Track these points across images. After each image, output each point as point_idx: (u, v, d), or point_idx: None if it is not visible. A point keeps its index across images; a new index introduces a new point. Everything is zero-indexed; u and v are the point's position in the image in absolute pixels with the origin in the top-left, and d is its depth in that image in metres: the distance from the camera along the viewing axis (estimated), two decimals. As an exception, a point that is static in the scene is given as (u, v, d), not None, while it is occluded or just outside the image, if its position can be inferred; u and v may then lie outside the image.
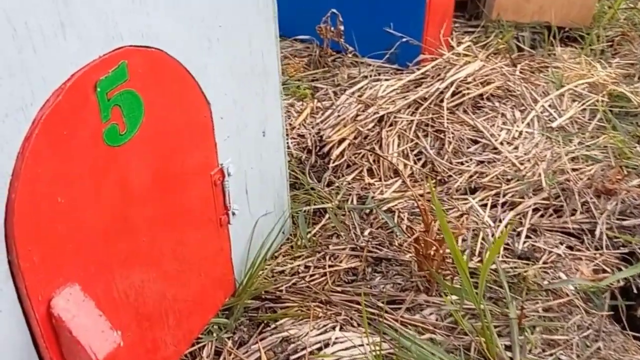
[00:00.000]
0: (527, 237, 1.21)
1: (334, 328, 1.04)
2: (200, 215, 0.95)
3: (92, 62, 0.69)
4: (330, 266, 1.17)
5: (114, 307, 0.82)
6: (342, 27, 1.62)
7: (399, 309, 1.07)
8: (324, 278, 1.15)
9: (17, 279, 0.69)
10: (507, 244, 1.20)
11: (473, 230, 1.21)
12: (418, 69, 1.61)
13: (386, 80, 1.62)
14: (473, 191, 1.34)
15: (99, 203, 0.76)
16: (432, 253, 1.06)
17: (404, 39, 1.70)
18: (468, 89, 1.53)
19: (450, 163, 1.40)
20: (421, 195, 1.28)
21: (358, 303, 1.08)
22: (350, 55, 1.74)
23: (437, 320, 1.04)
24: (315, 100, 1.61)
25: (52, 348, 0.74)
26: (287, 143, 1.49)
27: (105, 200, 0.77)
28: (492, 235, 1.20)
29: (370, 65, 1.78)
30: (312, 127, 1.52)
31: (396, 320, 1.04)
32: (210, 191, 0.95)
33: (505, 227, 1.22)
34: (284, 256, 1.19)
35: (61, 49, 0.65)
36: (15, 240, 0.66)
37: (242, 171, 1.01)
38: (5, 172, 0.64)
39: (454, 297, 1.06)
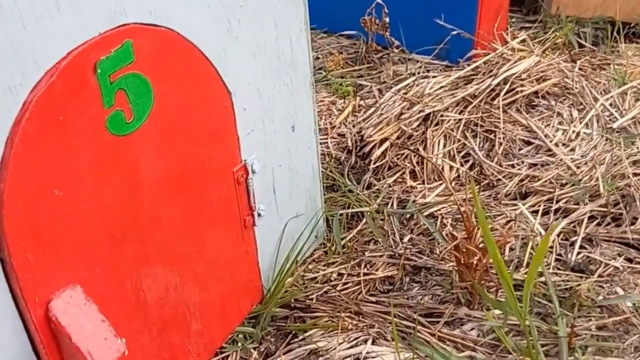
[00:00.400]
0: (582, 247, 1.10)
1: (365, 341, 0.96)
2: (222, 215, 0.88)
3: (91, 39, 0.63)
4: (365, 274, 1.08)
5: (123, 312, 0.76)
6: (387, 19, 1.53)
7: (437, 322, 0.97)
8: (357, 287, 1.06)
9: (10, 279, 0.63)
10: (560, 255, 1.08)
11: (522, 238, 1.10)
12: (468, 65, 1.51)
13: (434, 77, 1.52)
14: (524, 196, 1.22)
15: (103, 198, 0.70)
16: (474, 262, 0.96)
17: (455, 32, 1.60)
18: (522, 85, 1.42)
19: (500, 166, 1.30)
20: (466, 200, 1.18)
21: (393, 315, 0.99)
22: (396, 51, 1.65)
23: (478, 336, 0.94)
24: (358, 98, 1.53)
25: (53, 354, 0.69)
26: (327, 143, 1.41)
27: (110, 195, 0.71)
28: (545, 244, 1.09)
29: (418, 61, 1.69)
30: (353, 126, 1.44)
31: (433, 335, 0.95)
32: (233, 189, 0.89)
33: (558, 235, 1.10)
34: (316, 262, 1.11)
35: (55, 25, 0.59)
36: (5, 235, 0.61)
37: (269, 168, 0.94)
38: (-6, 160, 0.59)
39: (498, 312, 0.96)
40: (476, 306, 0.99)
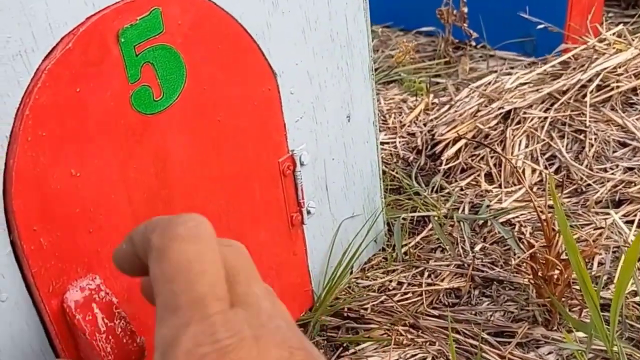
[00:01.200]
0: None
1: (424, 359, 0.84)
2: (266, 211, 0.80)
3: (113, 4, 0.57)
4: (428, 284, 0.97)
5: (146, 309, 0.68)
6: (465, 9, 1.41)
7: (508, 343, 0.84)
8: (419, 298, 0.95)
9: (22, 265, 0.57)
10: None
11: (613, 252, 0.95)
12: (555, 59, 1.36)
13: (515, 74, 1.38)
14: (617, 204, 1.07)
15: (127, 182, 0.63)
16: (554, 276, 0.83)
17: (542, 26, 1.45)
18: (618, 81, 1.26)
19: (591, 170, 1.14)
20: (549, 207, 1.04)
21: (457, 332, 0.87)
22: (475, 44, 1.52)
23: (556, 362, 0.81)
24: (431, 95, 1.42)
25: (69, 349, 0.62)
26: (395, 142, 1.31)
27: (135, 179, 0.64)
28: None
29: (500, 57, 1.55)
30: (425, 125, 1.33)
31: (503, 358, 0.82)
32: (279, 182, 0.80)
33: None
34: (374, 268, 1.01)
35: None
36: (15, 215, 0.55)
37: (320, 161, 0.85)
38: (2, 133, 0.53)
39: (580, 334, 0.82)
40: (555, 326, 0.86)
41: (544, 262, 0.83)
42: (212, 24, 0.66)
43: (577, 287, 0.85)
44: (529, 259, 0.85)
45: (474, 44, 1.48)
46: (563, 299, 0.85)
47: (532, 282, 0.89)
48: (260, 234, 0.80)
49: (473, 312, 0.91)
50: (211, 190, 0.72)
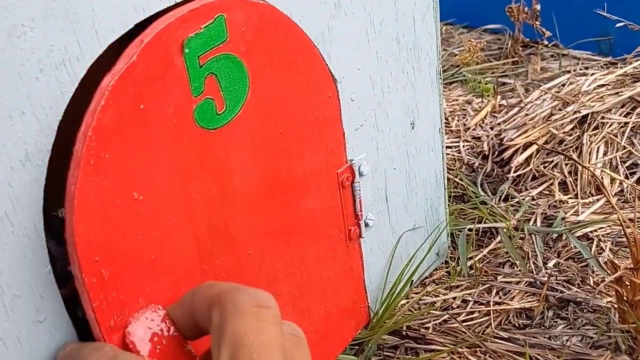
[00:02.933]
0: None
1: (492, 387, 0.78)
2: (322, 224, 0.75)
3: (174, 10, 0.52)
4: (496, 303, 0.90)
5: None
6: (538, 7, 1.32)
7: (587, 374, 0.77)
8: (486, 318, 0.88)
9: (82, 300, 0.52)
10: None
11: None
12: (637, 60, 1.26)
13: (592, 75, 1.29)
14: None
15: (190, 202, 0.58)
16: (641, 302, 0.75)
17: (621, 24, 1.35)
18: None
19: (678, 180, 1.05)
20: (631, 220, 0.95)
21: (530, 357, 0.80)
22: (547, 44, 1.43)
23: (644, 399, 0.73)
24: (499, 97, 1.34)
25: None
26: (458, 146, 1.24)
27: (198, 199, 0.59)
28: None
29: (574, 57, 1.45)
30: (491, 129, 1.25)
31: (581, 391, 0.75)
32: (337, 194, 0.75)
33: None
34: (435, 284, 0.95)
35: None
36: (76, 246, 0.49)
37: (380, 171, 0.80)
38: (43, 147, 0.49)
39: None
40: (641, 357, 0.78)
41: (630, 285, 0.76)
42: (274, 29, 0.61)
43: (667, 315, 0.77)
44: (614, 281, 0.77)
45: (546, 42, 1.39)
46: (651, 328, 0.77)
47: (615, 306, 0.81)
48: (318, 249, 0.75)
49: (547, 336, 0.84)
50: (272, 206, 0.67)
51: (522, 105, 1.25)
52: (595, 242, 0.97)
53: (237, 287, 0.42)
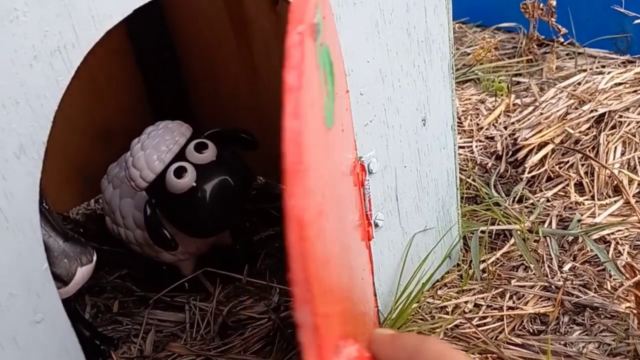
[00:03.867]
0: None
1: (505, 395, 0.75)
2: (330, 224, 0.72)
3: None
4: (510, 308, 0.87)
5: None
6: (554, 3, 1.29)
7: (606, 383, 0.74)
8: (499, 323, 0.85)
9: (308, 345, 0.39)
10: None
11: None
12: (657, 58, 1.22)
13: (609, 73, 1.25)
14: None
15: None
16: (664, 308, 0.71)
17: (638, 21, 1.31)
18: None
19: (700, 182, 1.01)
20: (651, 223, 0.92)
21: (544, 365, 0.77)
22: (563, 41, 1.39)
23: (666, 411, 0.70)
24: (513, 96, 1.30)
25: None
26: (471, 146, 1.20)
27: None
28: None
29: (590, 55, 1.42)
30: (505, 128, 1.22)
31: (599, 401, 0.71)
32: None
33: None
34: (448, 288, 0.92)
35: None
36: (311, 287, 0.35)
37: (390, 170, 0.77)
38: (39, 139, 0.47)
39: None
40: (663, 367, 0.74)
41: (651, 291, 0.72)
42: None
43: (691, 322, 0.73)
44: (633, 286, 0.74)
45: (562, 40, 1.35)
46: (673, 335, 0.73)
47: (634, 311, 0.78)
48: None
49: (562, 343, 0.80)
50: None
51: (537, 104, 1.22)
52: (612, 245, 0.94)
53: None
